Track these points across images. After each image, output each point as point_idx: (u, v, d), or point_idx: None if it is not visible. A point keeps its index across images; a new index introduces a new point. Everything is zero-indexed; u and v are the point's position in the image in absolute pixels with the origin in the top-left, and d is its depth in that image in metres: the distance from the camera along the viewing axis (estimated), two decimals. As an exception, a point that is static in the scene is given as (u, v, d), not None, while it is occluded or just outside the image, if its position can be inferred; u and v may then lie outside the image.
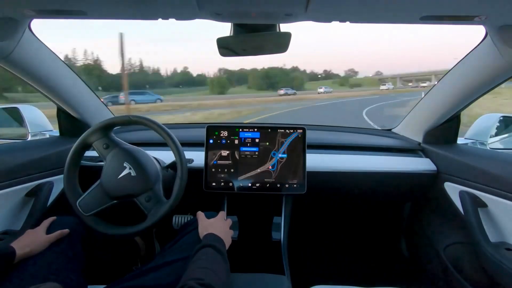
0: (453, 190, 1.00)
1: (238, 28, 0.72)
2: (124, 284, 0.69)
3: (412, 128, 1.25)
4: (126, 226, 0.84)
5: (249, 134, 1.05)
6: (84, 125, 1.14)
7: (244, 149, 1.04)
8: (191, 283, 0.52)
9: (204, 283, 0.53)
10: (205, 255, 0.64)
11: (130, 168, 0.84)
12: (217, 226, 0.77)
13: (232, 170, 1.03)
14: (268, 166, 1.03)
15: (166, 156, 0.93)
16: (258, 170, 1.03)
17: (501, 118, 1.23)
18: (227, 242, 0.75)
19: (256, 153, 1.04)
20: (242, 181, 1.03)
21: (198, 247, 0.67)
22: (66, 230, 0.78)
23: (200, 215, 0.82)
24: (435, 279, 1.11)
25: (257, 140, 1.04)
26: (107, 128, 0.88)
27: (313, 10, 0.57)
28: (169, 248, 0.78)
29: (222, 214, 0.86)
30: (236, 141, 1.04)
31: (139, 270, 0.73)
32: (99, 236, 0.90)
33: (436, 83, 1.10)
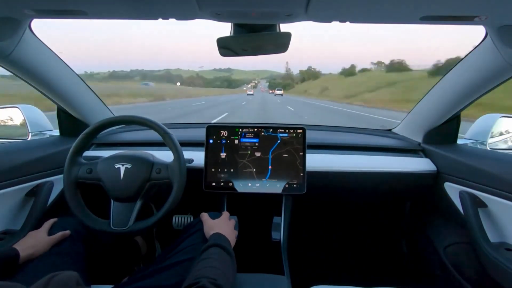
0: (453, 190, 1.00)
1: (238, 28, 0.72)
2: (129, 285, 0.69)
3: (412, 128, 1.25)
4: (145, 220, 0.85)
5: (249, 134, 1.05)
6: (84, 125, 1.14)
7: (244, 148, 1.04)
8: (204, 282, 0.52)
9: (217, 284, 0.53)
10: (215, 254, 0.64)
11: (122, 165, 0.85)
12: (223, 226, 0.78)
13: (232, 170, 1.03)
14: (268, 166, 1.03)
15: (166, 156, 0.93)
16: (258, 170, 1.03)
17: (501, 118, 1.23)
18: (232, 242, 0.75)
19: (256, 153, 1.04)
20: (242, 181, 1.03)
21: (206, 245, 0.67)
22: (68, 232, 0.78)
23: (205, 215, 0.83)
24: (435, 279, 1.11)
25: (257, 140, 1.04)
26: (100, 129, 0.89)
27: (313, 10, 0.57)
28: (172, 250, 0.78)
29: (226, 214, 0.86)
30: (236, 141, 1.04)
31: (143, 272, 0.73)
32: (100, 236, 0.90)
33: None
